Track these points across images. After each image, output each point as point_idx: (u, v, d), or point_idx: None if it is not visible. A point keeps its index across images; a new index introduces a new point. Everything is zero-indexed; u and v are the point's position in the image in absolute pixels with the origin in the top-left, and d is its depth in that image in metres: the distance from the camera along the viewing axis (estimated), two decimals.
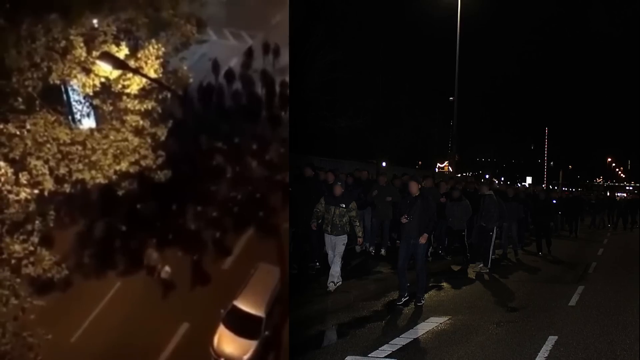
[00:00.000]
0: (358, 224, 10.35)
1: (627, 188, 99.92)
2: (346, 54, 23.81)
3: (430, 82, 30.62)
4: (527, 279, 13.72)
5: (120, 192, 6.50)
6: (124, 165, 6.46)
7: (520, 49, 76.81)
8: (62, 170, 6.24)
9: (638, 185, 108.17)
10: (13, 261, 5.84)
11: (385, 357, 7.04)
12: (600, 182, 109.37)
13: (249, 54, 7.96)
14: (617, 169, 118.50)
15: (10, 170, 5.94)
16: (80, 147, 6.34)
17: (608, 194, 43.34)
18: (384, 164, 28.98)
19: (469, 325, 8.74)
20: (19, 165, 6.04)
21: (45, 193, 6.10)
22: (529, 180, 79.18)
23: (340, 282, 10.28)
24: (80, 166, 6.30)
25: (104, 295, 6.64)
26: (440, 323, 8.80)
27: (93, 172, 6.35)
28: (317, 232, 10.89)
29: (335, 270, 10.19)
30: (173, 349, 6.47)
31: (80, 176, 6.31)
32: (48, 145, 6.17)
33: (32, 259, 5.93)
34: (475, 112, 43.14)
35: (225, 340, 6.44)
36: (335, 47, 22.55)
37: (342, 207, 10.16)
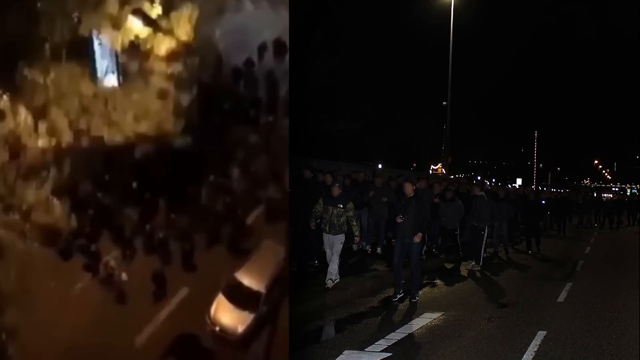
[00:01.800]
0: (355, 223, 10.35)
1: (614, 189, 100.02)
2: (344, 60, 23.87)
3: (425, 87, 30.60)
4: (517, 276, 13.74)
5: (137, 154, 6.13)
6: (143, 127, 6.09)
7: (511, 56, 77.01)
8: (82, 125, 5.93)
9: (624, 186, 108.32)
10: (24, 207, 5.70)
11: (381, 351, 7.04)
12: (587, 183, 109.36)
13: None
14: (603, 171, 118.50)
15: (29, 117, 5.72)
16: (101, 104, 6.00)
17: (595, 195, 43.38)
18: (380, 166, 28.98)
19: (462, 320, 8.75)
20: (39, 113, 5.80)
21: (63, 145, 5.84)
22: (519, 181, 79.11)
23: (338, 280, 10.28)
24: (100, 123, 5.97)
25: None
26: (434, 319, 8.81)
27: (112, 130, 6.01)
28: (316, 231, 10.90)
29: (333, 268, 10.19)
30: (170, 313, 6.37)
31: (98, 133, 5.99)
32: (70, 98, 5.88)
33: (43, 207, 5.75)
34: (468, 116, 43.12)
35: (223, 310, 6.34)
36: (333, 54, 22.61)
37: (340, 208, 10.16)
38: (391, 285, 10.43)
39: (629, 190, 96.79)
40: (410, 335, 7.85)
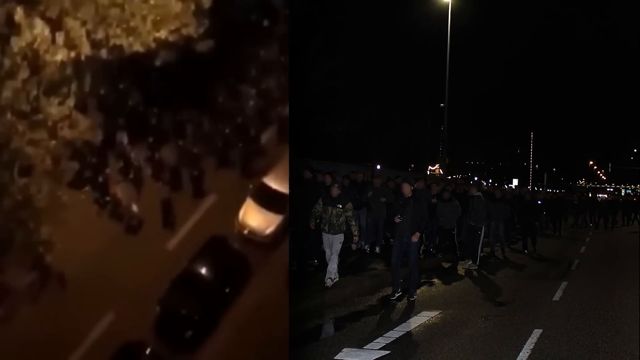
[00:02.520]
0: (354, 223, 10.35)
1: (608, 190, 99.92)
2: (343, 63, 23.85)
3: (422, 89, 30.57)
4: (514, 275, 13.72)
5: (158, 62, 5.82)
6: (163, 33, 5.76)
7: (507, 59, 76.81)
8: (100, 35, 5.62)
9: (618, 187, 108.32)
10: (49, 123, 5.52)
11: (380, 349, 7.03)
12: (582, 184, 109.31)
13: None
14: (598, 172, 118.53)
15: (47, 30, 5.44)
16: (118, 11, 5.64)
17: (590, 195, 43.29)
18: (378, 166, 28.97)
19: (459, 319, 8.74)
20: (55, 24, 5.50)
21: (82, 57, 5.59)
22: (515, 182, 79.06)
23: (337, 279, 10.28)
24: (118, 31, 5.65)
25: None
26: (432, 317, 8.80)
27: (131, 38, 5.68)
28: (316, 231, 10.89)
29: (333, 267, 10.19)
30: (199, 218, 6.31)
31: (117, 42, 5.67)
32: (86, 6, 5.54)
33: (67, 122, 5.57)
34: (465, 118, 43.08)
35: (251, 213, 6.34)
36: (332, 57, 22.59)
37: (339, 208, 10.16)
38: (389, 284, 10.42)
39: (623, 191, 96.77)
40: (408, 334, 7.84)
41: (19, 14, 5.39)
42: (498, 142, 61.19)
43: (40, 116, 5.48)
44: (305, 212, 10.71)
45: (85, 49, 5.58)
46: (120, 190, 6.06)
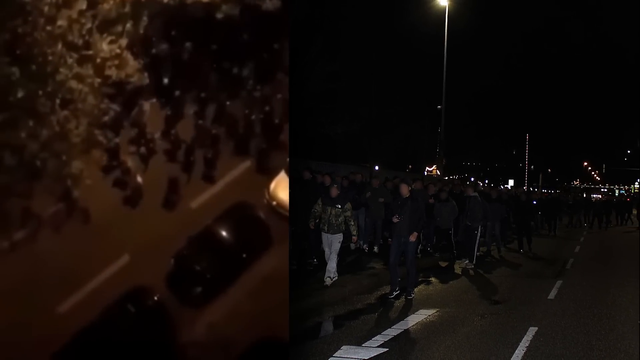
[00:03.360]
0: (353, 223, 10.35)
1: (602, 190, 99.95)
2: (342, 66, 23.88)
3: (420, 92, 30.61)
4: (509, 274, 13.72)
5: (219, 15, 5.46)
6: None
7: (503, 62, 76.83)
8: None
9: (612, 187, 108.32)
10: (98, 60, 5.29)
11: (378, 346, 7.03)
12: (577, 184, 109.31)
13: None
14: (593, 173, 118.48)
15: None
16: None
17: (584, 195, 43.28)
18: (376, 167, 28.97)
19: (456, 317, 8.73)
20: None
21: None
22: (511, 182, 79.00)
23: (336, 277, 10.27)
24: None
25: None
26: (429, 315, 8.80)
27: None
28: (315, 230, 10.88)
29: (332, 266, 10.18)
30: (230, 180, 6.23)
31: None
32: None
33: (116, 62, 5.32)
34: (461, 119, 43.01)
35: (283, 186, 6.32)
36: (332, 60, 22.61)
37: (338, 208, 10.16)
38: (388, 282, 10.42)
39: (617, 191, 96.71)
40: (406, 331, 7.84)
41: None
42: (494, 144, 61.14)
43: (90, 52, 5.25)
44: (305, 212, 10.71)
45: None
46: (156, 141, 5.83)
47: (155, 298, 5.70)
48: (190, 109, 5.84)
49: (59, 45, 5.17)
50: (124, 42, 5.33)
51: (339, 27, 25.09)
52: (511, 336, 7.59)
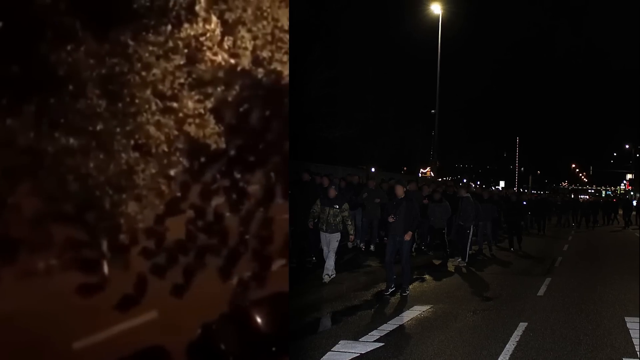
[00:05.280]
0: (350, 222, 10.34)
1: (590, 191, 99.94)
2: (340, 72, 23.89)
3: (414, 97, 30.60)
4: (500, 271, 13.72)
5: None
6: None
7: (494, 68, 77.06)
8: (264, 54, 5.24)
9: (599, 188, 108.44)
10: (180, 114, 5.11)
11: (374, 341, 7.02)
12: (565, 185, 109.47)
13: None
14: (580, 174, 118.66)
15: (218, 30, 5.09)
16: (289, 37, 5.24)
17: (572, 196, 43.32)
18: (373, 169, 29.01)
19: (449, 313, 8.73)
20: (228, 29, 5.15)
21: (238, 68, 5.16)
22: (502, 184, 79.14)
23: (334, 275, 10.26)
24: (284, 58, 5.27)
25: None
26: (423, 311, 8.79)
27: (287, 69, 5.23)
28: (314, 230, 10.88)
29: (330, 264, 10.18)
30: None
31: (278, 68, 5.25)
32: (262, 24, 5.17)
33: (197, 120, 5.14)
34: (454, 123, 42.98)
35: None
36: (330, 66, 22.61)
37: (336, 208, 10.15)
38: (383, 280, 10.42)
39: (603, 192, 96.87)
40: (401, 327, 7.83)
41: (201, 4, 5.10)
42: (486, 147, 61.13)
43: (175, 104, 5.16)
44: (304, 212, 10.71)
45: (245, 62, 5.20)
46: (215, 209, 5.48)
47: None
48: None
49: (148, 91, 5.13)
50: (209, 104, 5.21)
51: (337, 35, 25.14)
52: (502, 331, 7.58)
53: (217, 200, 5.49)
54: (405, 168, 44.37)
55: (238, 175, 5.45)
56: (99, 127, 5.02)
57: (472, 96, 53.63)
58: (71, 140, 4.92)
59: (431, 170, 42.26)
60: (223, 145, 5.26)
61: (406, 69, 28.65)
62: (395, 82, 27.99)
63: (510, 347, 6.87)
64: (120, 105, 5.06)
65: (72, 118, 4.89)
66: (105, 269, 5.24)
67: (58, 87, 4.83)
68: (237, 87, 5.23)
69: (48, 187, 4.99)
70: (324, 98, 22.66)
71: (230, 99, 5.21)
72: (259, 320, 5.42)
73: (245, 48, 5.17)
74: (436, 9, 29.02)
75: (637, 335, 7.48)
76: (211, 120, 5.16)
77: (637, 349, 6.91)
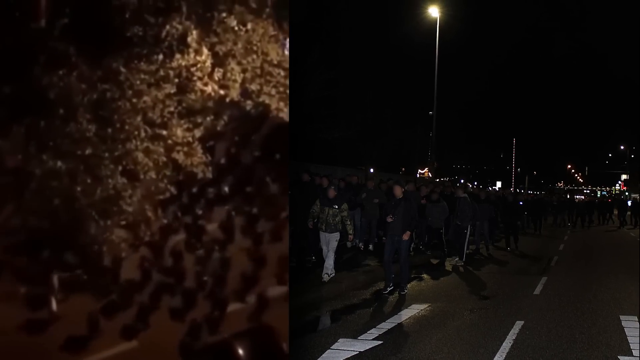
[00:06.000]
0: (349, 222, 10.35)
1: (585, 191, 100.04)
2: (339, 73, 23.89)
3: (413, 98, 30.57)
4: (497, 271, 13.73)
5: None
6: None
7: (491, 70, 77.30)
8: (253, 87, 5.26)
9: (594, 189, 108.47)
10: (169, 141, 5.09)
11: (373, 339, 7.04)
12: (561, 186, 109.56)
13: None
14: (576, 175, 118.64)
15: (209, 61, 5.13)
16: (282, 73, 5.24)
17: (568, 196, 43.31)
18: (371, 170, 28.96)
19: (446, 311, 8.74)
20: (219, 61, 5.17)
21: (227, 99, 5.21)
22: (498, 184, 79.20)
23: (334, 274, 10.28)
24: (272, 91, 5.27)
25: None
26: (421, 310, 8.80)
27: (281, 103, 5.23)
28: (313, 230, 10.89)
29: (329, 263, 10.19)
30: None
31: (266, 100, 5.27)
32: (252, 57, 5.17)
33: (185, 148, 5.13)
34: (452, 124, 43.10)
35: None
36: (330, 68, 22.61)
37: (335, 208, 10.16)
38: (382, 279, 10.43)
39: (599, 193, 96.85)
40: (400, 325, 7.84)
41: (193, 36, 5.17)
42: (483, 148, 61.38)
43: (164, 132, 5.18)
44: (304, 212, 10.72)
45: (234, 94, 5.25)
46: (203, 229, 5.47)
47: None
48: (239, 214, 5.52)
49: (138, 118, 5.12)
50: (198, 133, 5.24)
51: (337, 38, 25.13)
52: (499, 329, 7.60)
53: (179, 237, 5.43)
54: (403, 169, 44.39)
55: (223, 205, 5.51)
56: (87, 152, 5.03)
57: (470, 98, 53.79)
58: (59, 163, 4.90)
59: (429, 170, 42.23)
60: (210, 175, 5.29)
61: (404, 71, 28.61)
62: (394, 83, 27.97)
63: (506, 345, 6.88)
64: (109, 130, 5.05)
65: (61, 141, 4.87)
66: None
67: (49, 110, 4.81)
68: (225, 118, 5.27)
69: (33, 209, 4.95)
70: (324, 99, 22.66)
71: (219, 128, 5.25)
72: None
73: (235, 80, 5.22)
74: (434, 12, 29.06)
75: (633, 334, 7.49)
76: (199, 149, 5.21)
77: (631, 347, 6.92)
